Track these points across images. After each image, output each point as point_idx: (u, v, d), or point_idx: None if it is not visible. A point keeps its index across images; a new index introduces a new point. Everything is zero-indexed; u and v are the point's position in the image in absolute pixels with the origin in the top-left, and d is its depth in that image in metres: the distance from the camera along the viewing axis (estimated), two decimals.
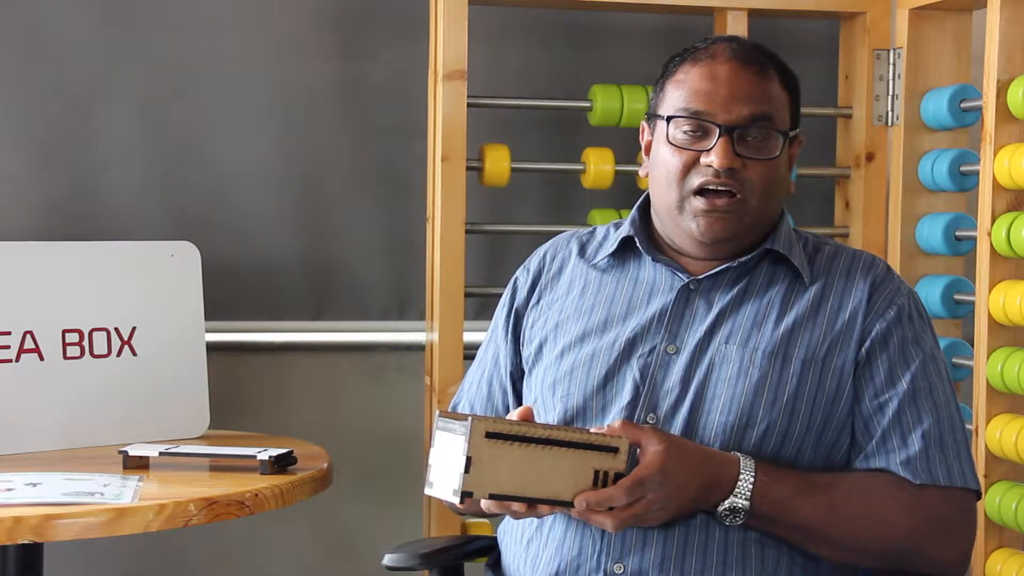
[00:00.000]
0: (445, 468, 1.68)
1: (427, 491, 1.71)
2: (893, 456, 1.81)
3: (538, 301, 2.02)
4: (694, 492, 1.73)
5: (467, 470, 1.65)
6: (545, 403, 1.93)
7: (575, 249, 2.02)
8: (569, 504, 1.69)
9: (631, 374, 1.87)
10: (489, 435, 1.65)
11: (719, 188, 1.84)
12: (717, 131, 1.83)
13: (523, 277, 2.05)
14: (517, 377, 2.03)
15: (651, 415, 1.84)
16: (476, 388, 2.06)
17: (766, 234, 1.91)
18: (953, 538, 1.83)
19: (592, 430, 1.73)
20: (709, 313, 1.88)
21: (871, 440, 1.83)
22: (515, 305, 2.04)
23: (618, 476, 1.69)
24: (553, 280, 2.02)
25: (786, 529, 1.78)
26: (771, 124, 1.85)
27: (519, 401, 2.02)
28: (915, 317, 1.88)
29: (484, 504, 1.70)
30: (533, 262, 2.06)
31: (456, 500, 1.66)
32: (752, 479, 1.75)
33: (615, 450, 1.69)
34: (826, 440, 1.83)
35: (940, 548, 1.82)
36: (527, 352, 2.00)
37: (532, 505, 1.70)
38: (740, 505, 1.74)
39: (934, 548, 1.82)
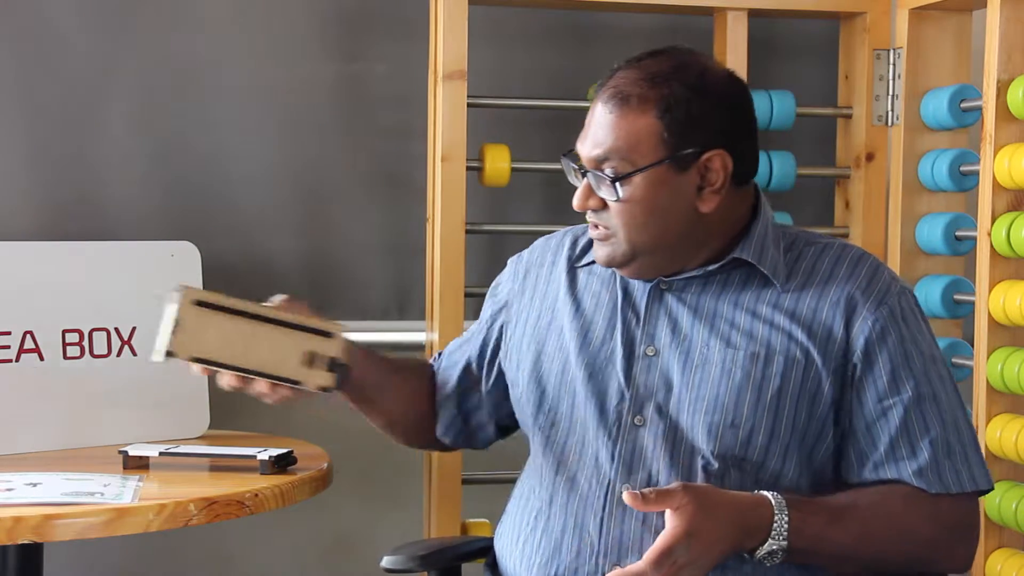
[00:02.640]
0: (160, 333, 1.77)
1: (153, 358, 1.78)
2: (904, 466, 1.81)
3: (522, 295, 2.04)
4: (728, 545, 1.70)
5: (174, 332, 1.76)
6: (534, 401, 1.95)
7: (567, 246, 2.04)
8: (283, 380, 1.78)
9: (615, 377, 1.88)
10: (200, 303, 1.77)
11: (594, 224, 1.88)
12: (583, 172, 1.86)
13: (514, 268, 2.09)
14: (497, 370, 2.07)
15: (638, 417, 1.85)
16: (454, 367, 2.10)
17: (735, 239, 1.89)
18: (966, 541, 1.85)
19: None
20: (685, 313, 1.88)
21: (876, 449, 1.82)
22: (503, 295, 2.08)
23: (332, 361, 1.78)
24: (541, 277, 2.04)
25: (818, 558, 1.78)
26: (608, 168, 1.82)
27: (496, 392, 2.06)
28: (908, 316, 1.86)
29: (195, 369, 1.79)
30: (526, 256, 2.09)
31: (160, 359, 1.77)
32: (787, 519, 1.72)
33: (330, 335, 1.78)
34: (808, 441, 1.83)
35: (954, 551, 1.84)
36: (511, 350, 2.02)
37: (248, 379, 1.80)
38: (778, 547, 1.72)
39: (950, 552, 1.84)
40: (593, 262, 1.96)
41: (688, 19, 2.98)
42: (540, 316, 2.00)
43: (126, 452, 2.27)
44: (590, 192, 1.86)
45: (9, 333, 2.44)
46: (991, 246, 2.51)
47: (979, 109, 2.61)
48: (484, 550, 2.08)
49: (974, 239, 2.63)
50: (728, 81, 1.87)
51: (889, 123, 2.87)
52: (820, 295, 1.85)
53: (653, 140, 1.81)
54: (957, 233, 2.74)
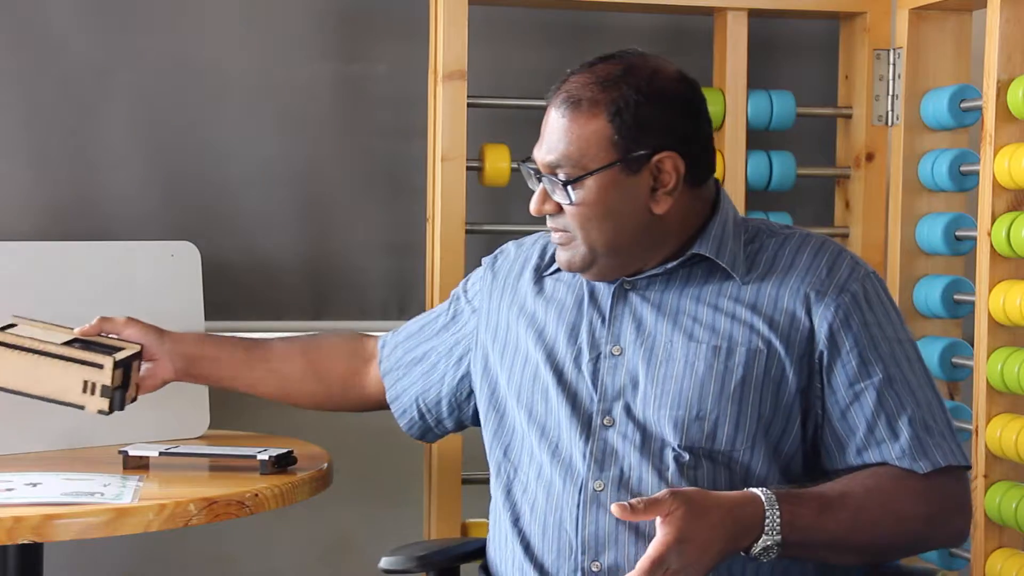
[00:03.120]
0: None
1: None
2: (886, 448, 1.83)
3: (490, 299, 2.07)
4: (720, 546, 1.70)
5: None
6: (508, 407, 1.98)
7: (535, 256, 2.07)
8: (70, 404, 2.15)
9: (583, 379, 1.90)
10: None
11: (553, 228, 1.92)
12: (539, 177, 1.90)
13: (483, 273, 2.12)
14: (464, 372, 2.11)
15: (607, 417, 1.87)
16: (423, 369, 2.16)
17: (694, 235, 1.90)
18: (961, 514, 1.87)
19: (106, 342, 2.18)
20: (649, 311, 1.90)
21: (855, 433, 1.84)
22: (474, 299, 2.12)
23: (104, 388, 2.13)
24: (509, 285, 2.07)
25: (814, 550, 1.79)
26: (561, 173, 1.86)
27: (460, 392, 2.11)
28: (872, 299, 1.88)
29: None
30: (498, 260, 2.12)
31: None
32: (778, 513, 1.73)
33: (100, 367, 2.13)
34: (774, 432, 1.85)
35: (949, 526, 1.86)
36: (478, 358, 2.05)
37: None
38: (772, 542, 1.73)
39: (945, 528, 1.85)
40: (560, 269, 1.99)
41: (688, 19, 2.98)
42: (508, 325, 2.02)
43: (126, 452, 2.27)
44: (546, 197, 1.90)
45: None
46: (991, 246, 2.51)
47: (979, 109, 2.61)
48: (482, 551, 2.08)
49: (974, 239, 2.63)
50: (679, 83, 1.89)
51: (889, 123, 2.87)
52: (781, 285, 1.87)
53: (604, 143, 1.85)
54: (957, 233, 2.74)
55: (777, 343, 1.84)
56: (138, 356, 2.23)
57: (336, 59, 2.94)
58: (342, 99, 2.95)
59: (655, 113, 1.85)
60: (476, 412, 2.09)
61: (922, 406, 1.85)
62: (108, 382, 2.14)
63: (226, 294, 2.86)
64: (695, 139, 1.89)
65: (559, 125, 1.87)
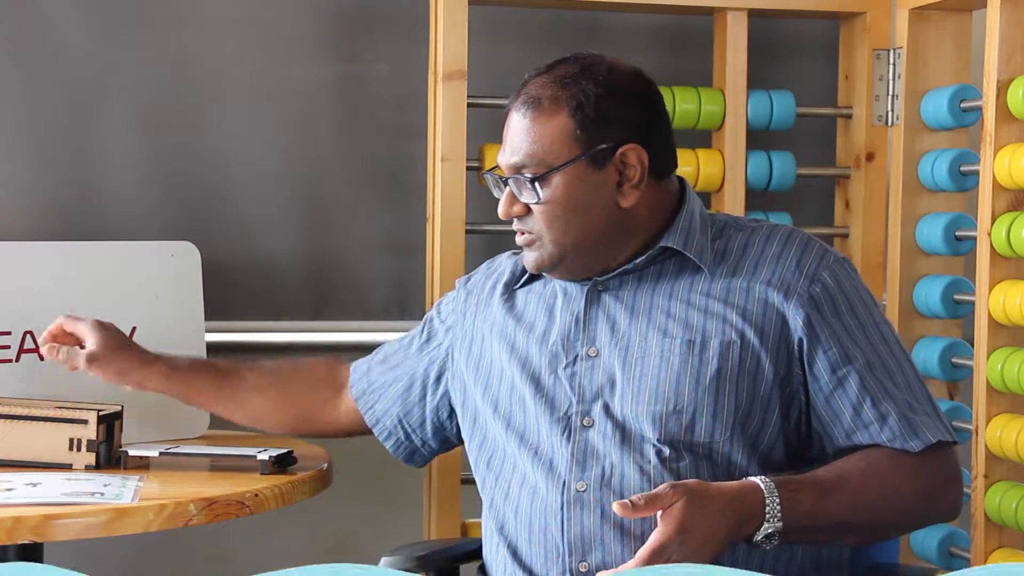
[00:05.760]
0: None
1: None
2: (875, 429, 1.84)
3: (464, 318, 2.08)
4: (723, 535, 1.71)
5: None
6: (487, 421, 1.98)
7: (507, 272, 2.07)
8: (58, 465, 2.23)
9: (561, 386, 1.90)
10: None
11: (520, 231, 1.92)
12: (504, 182, 1.91)
13: (457, 292, 2.12)
14: (443, 390, 2.11)
15: (586, 418, 1.87)
16: (399, 393, 2.15)
17: (662, 230, 1.92)
18: (954, 488, 1.89)
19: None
20: (622, 311, 1.91)
21: (839, 418, 1.85)
22: (448, 318, 2.12)
23: (90, 442, 2.23)
24: (482, 301, 2.07)
25: (815, 534, 1.80)
26: (527, 172, 1.87)
27: (442, 410, 2.11)
28: (846, 285, 1.89)
29: None
30: (472, 279, 2.12)
31: None
32: (778, 499, 1.74)
33: (85, 422, 2.24)
34: (752, 423, 1.85)
35: (944, 501, 1.88)
36: (457, 374, 2.05)
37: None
38: (774, 529, 1.74)
39: (940, 502, 1.87)
40: (530, 281, 2.00)
41: (688, 19, 2.98)
42: (483, 340, 2.03)
43: (126, 452, 2.27)
44: (513, 199, 1.91)
45: (9, 333, 2.44)
46: (991, 246, 2.52)
47: (979, 109, 2.61)
48: (480, 552, 2.09)
49: (974, 239, 2.63)
50: (635, 77, 1.92)
51: (889, 123, 2.87)
52: (752, 276, 1.88)
53: (567, 139, 1.86)
54: (957, 233, 2.74)
55: (751, 334, 1.85)
56: (119, 415, 2.31)
57: (336, 59, 2.94)
58: (342, 99, 2.95)
59: (615, 106, 1.87)
60: (459, 431, 2.10)
61: (902, 388, 1.86)
62: (93, 436, 2.24)
63: (226, 294, 2.86)
64: (656, 131, 1.91)
65: (521, 126, 1.88)
